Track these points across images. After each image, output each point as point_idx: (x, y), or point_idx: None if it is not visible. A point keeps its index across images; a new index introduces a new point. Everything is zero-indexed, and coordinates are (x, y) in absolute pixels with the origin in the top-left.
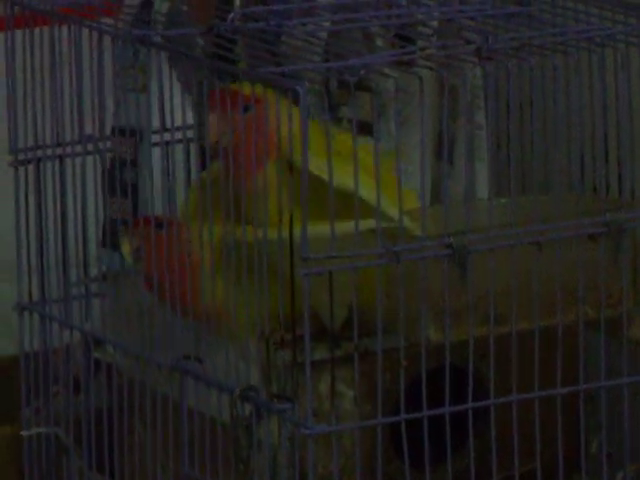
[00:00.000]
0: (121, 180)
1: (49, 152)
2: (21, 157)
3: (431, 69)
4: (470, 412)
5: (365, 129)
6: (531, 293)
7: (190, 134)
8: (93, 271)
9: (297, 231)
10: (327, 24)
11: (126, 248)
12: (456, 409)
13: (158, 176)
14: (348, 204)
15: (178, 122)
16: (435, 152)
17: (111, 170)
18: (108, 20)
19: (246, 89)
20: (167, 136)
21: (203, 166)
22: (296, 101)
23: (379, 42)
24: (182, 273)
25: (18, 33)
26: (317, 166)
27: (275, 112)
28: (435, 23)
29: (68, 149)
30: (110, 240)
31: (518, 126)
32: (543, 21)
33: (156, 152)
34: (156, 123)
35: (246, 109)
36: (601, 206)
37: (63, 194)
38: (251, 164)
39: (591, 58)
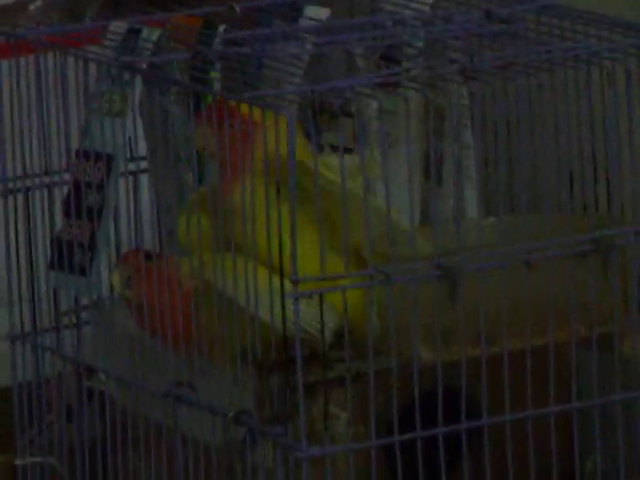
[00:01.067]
0: (81, 204)
1: (37, 181)
2: (10, 186)
3: (416, 90)
4: (464, 433)
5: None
6: (522, 312)
7: None
8: (83, 300)
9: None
10: (310, 47)
11: (116, 279)
12: (450, 430)
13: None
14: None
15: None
16: (423, 172)
17: (75, 192)
18: (93, 47)
19: (244, 109)
20: (133, 166)
21: None
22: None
23: (363, 64)
24: (173, 303)
25: (4, 62)
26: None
27: (263, 129)
28: (420, 43)
29: (56, 177)
30: (59, 262)
31: (506, 145)
32: (529, 39)
33: (120, 180)
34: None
35: (232, 125)
36: (590, 224)
37: (52, 223)
38: (233, 174)
39: (577, 76)
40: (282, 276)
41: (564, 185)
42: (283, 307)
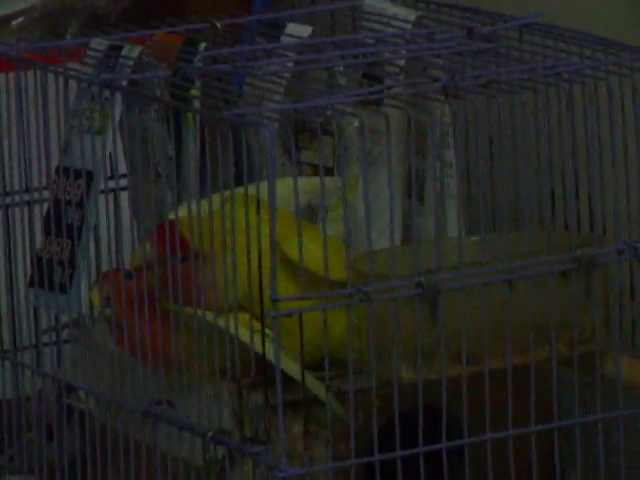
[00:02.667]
0: (61, 221)
1: (17, 198)
2: None
3: (398, 108)
4: (444, 452)
5: (326, 173)
6: (503, 331)
7: None
8: (63, 317)
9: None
10: (292, 64)
11: (96, 297)
12: (430, 449)
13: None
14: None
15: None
16: (405, 190)
17: (55, 209)
18: (74, 64)
19: (185, 229)
20: (113, 183)
21: None
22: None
23: (344, 82)
24: (152, 321)
25: None
26: None
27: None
28: (402, 61)
29: (36, 195)
30: (39, 279)
31: (488, 163)
32: (511, 58)
33: (100, 198)
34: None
35: (183, 259)
36: (572, 242)
37: (32, 240)
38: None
39: (559, 94)
40: (261, 296)
41: (546, 203)
42: (262, 325)
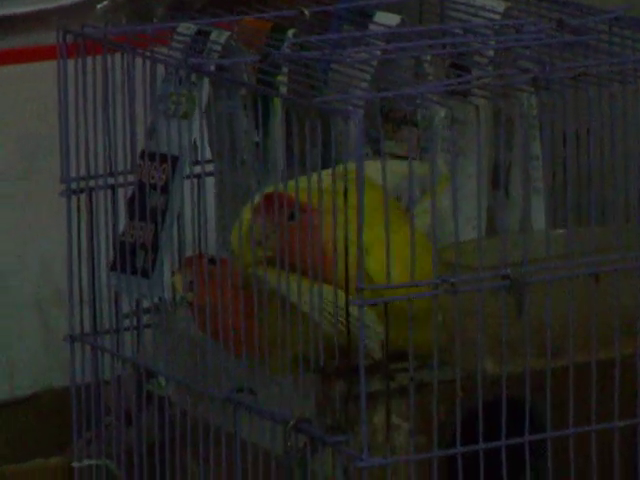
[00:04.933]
0: (145, 205)
1: (101, 182)
2: (73, 186)
3: (487, 98)
4: (526, 445)
5: None
6: (589, 325)
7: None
8: (145, 302)
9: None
10: (380, 53)
11: (178, 282)
12: (512, 442)
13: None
14: None
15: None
16: (491, 182)
17: (139, 194)
18: (161, 48)
19: (290, 192)
20: (198, 168)
21: None
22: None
23: (432, 71)
24: (235, 307)
25: (70, 62)
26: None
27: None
28: (491, 52)
29: (120, 178)
30: (121, 263)
31: (575, 156)
32: (600, 50)
33: (185, 183)
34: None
35: (291, 217)
36: None
37: (115, 224)
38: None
39: None
40: (347, 285)
41: (633, 197)
42: (347, 315)
